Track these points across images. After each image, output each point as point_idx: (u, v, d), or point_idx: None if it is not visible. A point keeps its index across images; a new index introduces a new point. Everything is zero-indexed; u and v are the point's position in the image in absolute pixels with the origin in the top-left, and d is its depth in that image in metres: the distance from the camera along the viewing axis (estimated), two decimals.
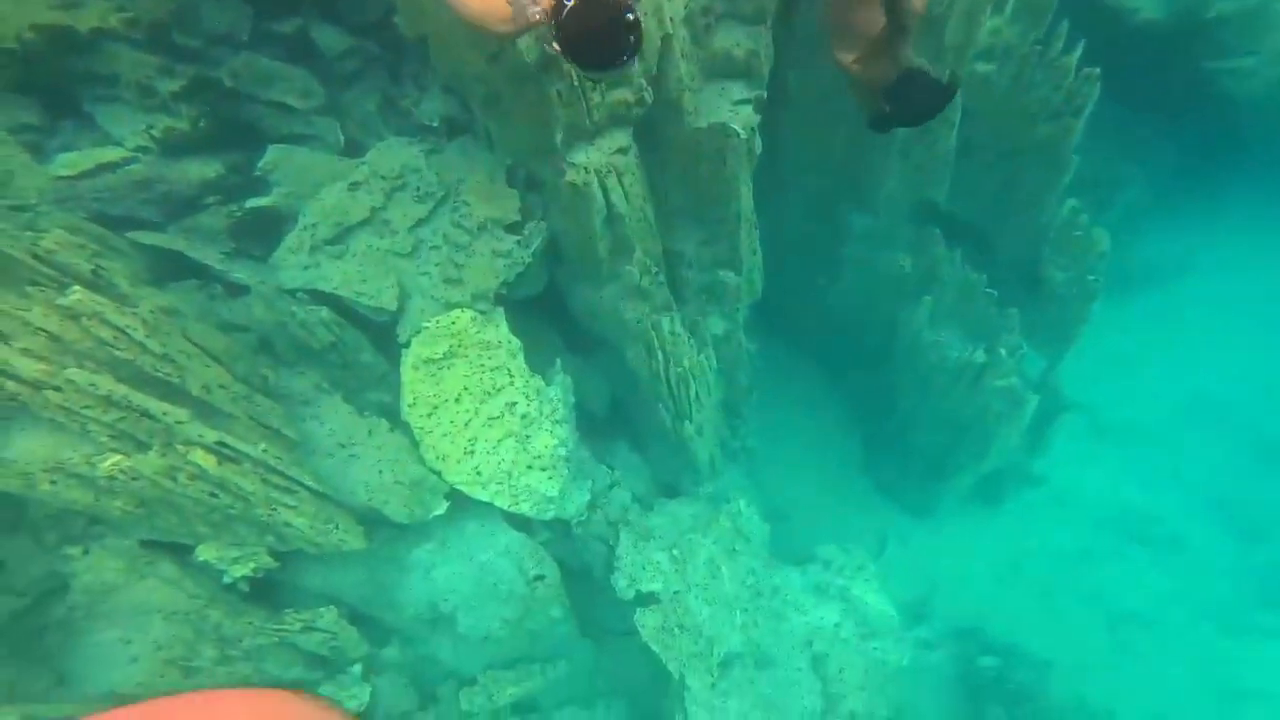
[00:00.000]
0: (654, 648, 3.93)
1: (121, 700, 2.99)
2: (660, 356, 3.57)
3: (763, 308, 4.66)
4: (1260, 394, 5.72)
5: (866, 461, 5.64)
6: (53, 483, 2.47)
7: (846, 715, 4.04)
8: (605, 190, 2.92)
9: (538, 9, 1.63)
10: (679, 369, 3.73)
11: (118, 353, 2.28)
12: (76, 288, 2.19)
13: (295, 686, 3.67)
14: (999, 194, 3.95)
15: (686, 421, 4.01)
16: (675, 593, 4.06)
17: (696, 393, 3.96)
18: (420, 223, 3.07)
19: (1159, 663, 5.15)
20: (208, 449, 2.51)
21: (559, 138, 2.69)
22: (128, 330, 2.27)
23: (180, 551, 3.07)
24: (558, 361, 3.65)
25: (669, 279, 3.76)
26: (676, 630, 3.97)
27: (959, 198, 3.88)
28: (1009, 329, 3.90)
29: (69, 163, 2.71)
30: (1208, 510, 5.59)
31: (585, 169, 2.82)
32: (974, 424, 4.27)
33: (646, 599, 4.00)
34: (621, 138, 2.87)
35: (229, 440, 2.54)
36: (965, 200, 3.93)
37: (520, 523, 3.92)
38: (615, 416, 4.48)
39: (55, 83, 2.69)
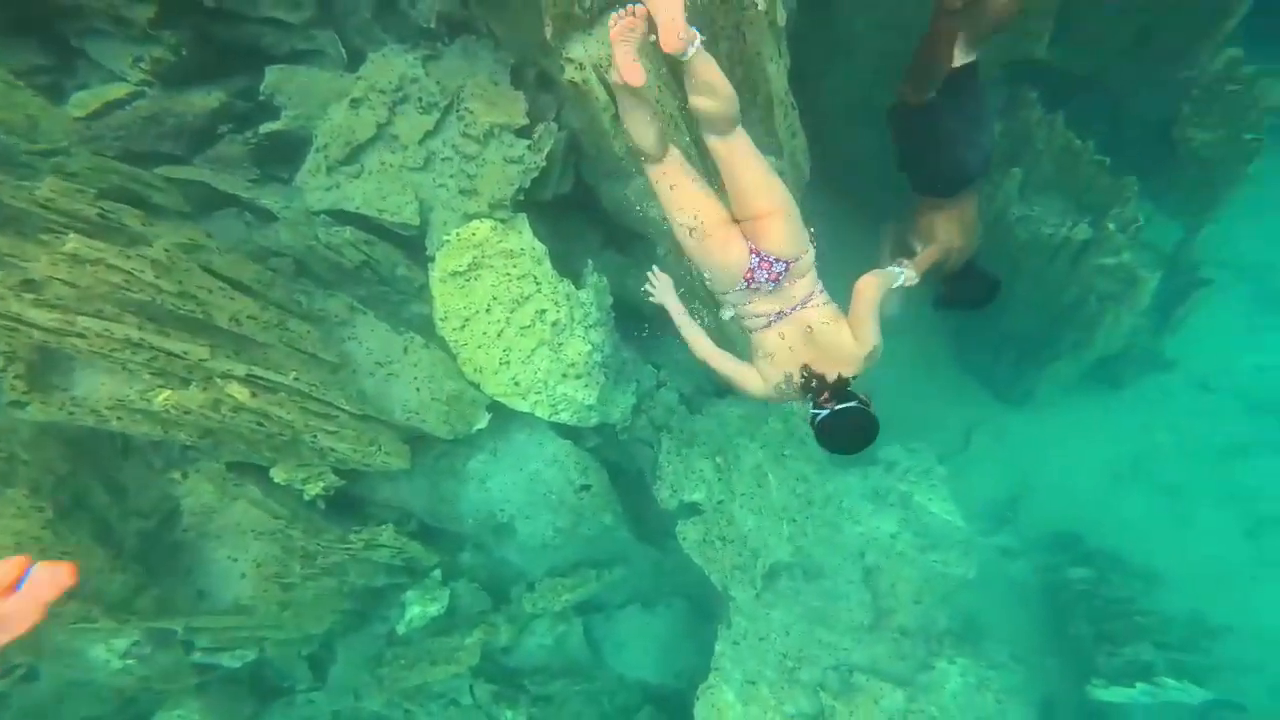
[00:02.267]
0: (696, 560, 3.85)
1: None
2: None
3: (835, 184, 4.05)
4: None
5: (955, 348, 4.96)
6: (119, 418, 2.64)
7: (894, 630, 3.84)
8: (607, 85, 2.50)
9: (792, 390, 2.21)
10: None
11: (132, 295, 2.26)
12: (71, 235, 2.18)
13: (381, 593, 3.97)
14: (1129, 45, 3.18)
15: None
16: (719, 502, 3.93)
17: None
18: (428, 135, 2.86)
19: None
20: (240, 381, 2.49)
21: (549, 30, 2.28)
22: (135, 273, 2.21)
23: (261, 473, 3.30)
24: (589, 263, 3.43)
25: (702, 169, 3.33)
26: (718, 542, 3.87)
27: (1074, 51, 3.15)
28: (1123, 200, 3.23)
29: (80, 102, 2.66)
30: None
31: (581, 65, 2.41)
32: (1076, 307, 3.70)
33: (689, 509, 3.90)
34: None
35: (258, 372, 2.58)
36: (1081, 53, 3.20)
37: (568, 430, 3.90)
38: (663, 312, 4.20)
39: (46, 19, 2.56)
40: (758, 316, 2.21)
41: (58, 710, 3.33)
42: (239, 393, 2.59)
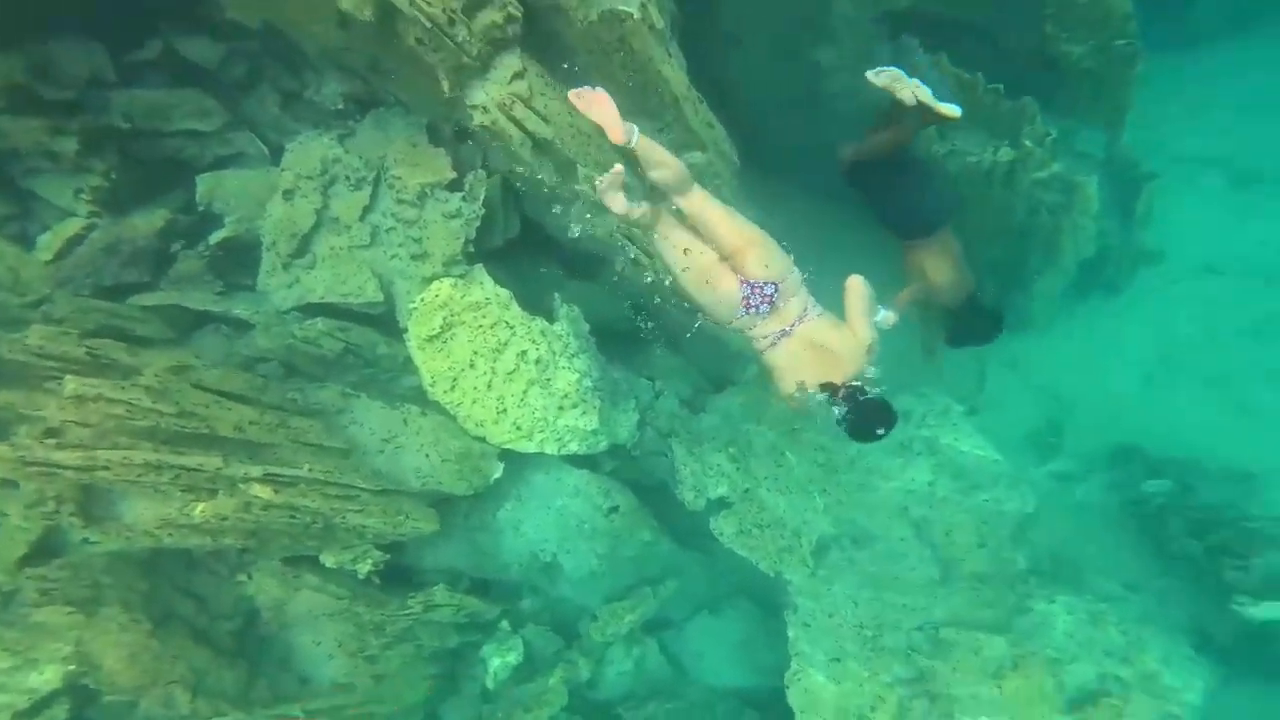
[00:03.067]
0: (740, 552, 3.78)
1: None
2: (646, 260, 3.26)
3: (778, 165, 4.25)
4: None
5: None
6: (170, 535, 2.84)
7: (969, 578, 3.65)
8: (517, 122, 2.62)
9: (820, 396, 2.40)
10: None
11: (138, 422, 2.46)
12: (68, 378, 2.36)
13: (455, 652, 4.06)
14: None
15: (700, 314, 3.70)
16: (745, 490, 3.88)
17: None
18: (366, 210, 3.00)
19: None
20: (260, 481, 2.66)
21: (445, 84, 2.42)
22: (134, 402, 2.42)
23: (314, 562, 3.50)
24: (556, 296, 3.53)
25: (637, 178, 3.41)
26: (755, 530, 3.80)
27: None
28: (1029, 118, 3.29)
29: (45, 245, 2.84)
30: None
31: (486, 108, 2.54)
32: (1031, 223, 3.66)
33: (717, 505, 3.86)
34: (512, 62, 2.60)
35: (274, 469, 2.78)
36: None
37: (582, 460, 3.96)
38: (645, 325, 4.25)
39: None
40: (764, 338, 2.47)
41: None
42: (263, 491, 2.79)
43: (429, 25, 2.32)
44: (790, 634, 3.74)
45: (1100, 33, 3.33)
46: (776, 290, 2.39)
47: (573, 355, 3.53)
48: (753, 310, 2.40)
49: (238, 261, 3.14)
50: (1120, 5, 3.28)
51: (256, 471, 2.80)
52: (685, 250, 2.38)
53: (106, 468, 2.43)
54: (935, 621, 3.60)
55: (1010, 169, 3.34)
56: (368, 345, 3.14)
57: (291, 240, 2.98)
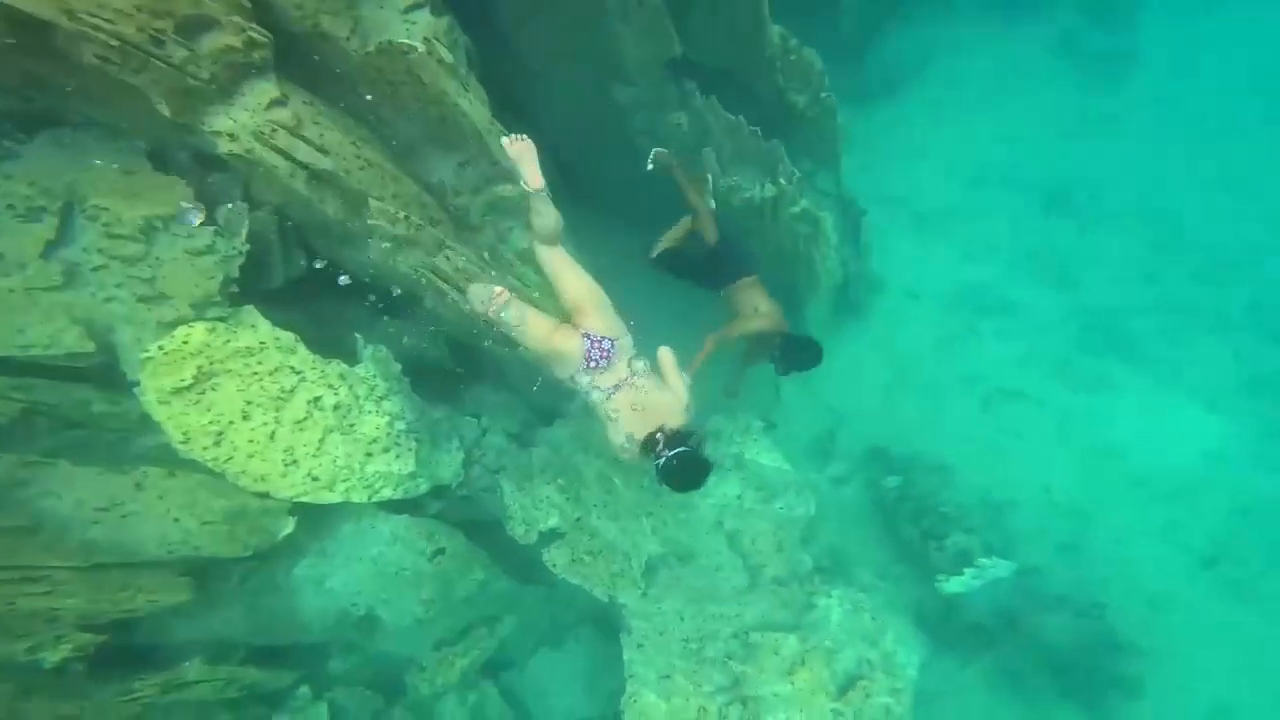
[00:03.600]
0: (573, 581, 3.63)
1: None
2: (456, 294, 3.03)
3: (592, 197, 4.40)
4: (1029, 152, 5.81)
5: None
6: None
7: (771, 582, 3.81)
8: (284, 152, 2.27)
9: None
10: None
11: None
12: None
13: None
14: (727, 34, 3.58)
15: (523, 348, 3.53)
16: (577, 520, 3.76)
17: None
18: (51, 245, 2.38)
19: (1033, 436, 5.04)
20: None
21: (165, 109, 2.02)
22: None
23: None
24: (357, 337, 3.12)
25: (446, 213, 3.17)
26: (587, 558, 3.68)
27: (697, 47, 3.56)
28: (778, 158, 3.63)
29: None
30: (1025, 265, 5.53)
31: (234, 135, 2.16)
32: (794, 252, 4.03)
33: (549, 537, 3.67)
34: (266, 89, 2.24)
35: None
36: (703, 47, 3.60)
37: (401, 505, 3.54)
38: (466, 361, 3.98)
39: None
40: (601, 390, 2.66)
41: None
42: None
43: (114, 44, 1.94)
44: (626, 656, 3.64)
45: (810, 85, 3.77)
46: (614, 345, 2.61)
47: (380, 398, 3.17)
48: (592, 364, 2.59)
49: None
50: (815, 61, 3.73)
51: None
52: (533, 320, 2.64)
53: None
54: (747, 626, 3.66)
55: (774, 204, 3.65)
56: (71, 404, 2.53)
57: None
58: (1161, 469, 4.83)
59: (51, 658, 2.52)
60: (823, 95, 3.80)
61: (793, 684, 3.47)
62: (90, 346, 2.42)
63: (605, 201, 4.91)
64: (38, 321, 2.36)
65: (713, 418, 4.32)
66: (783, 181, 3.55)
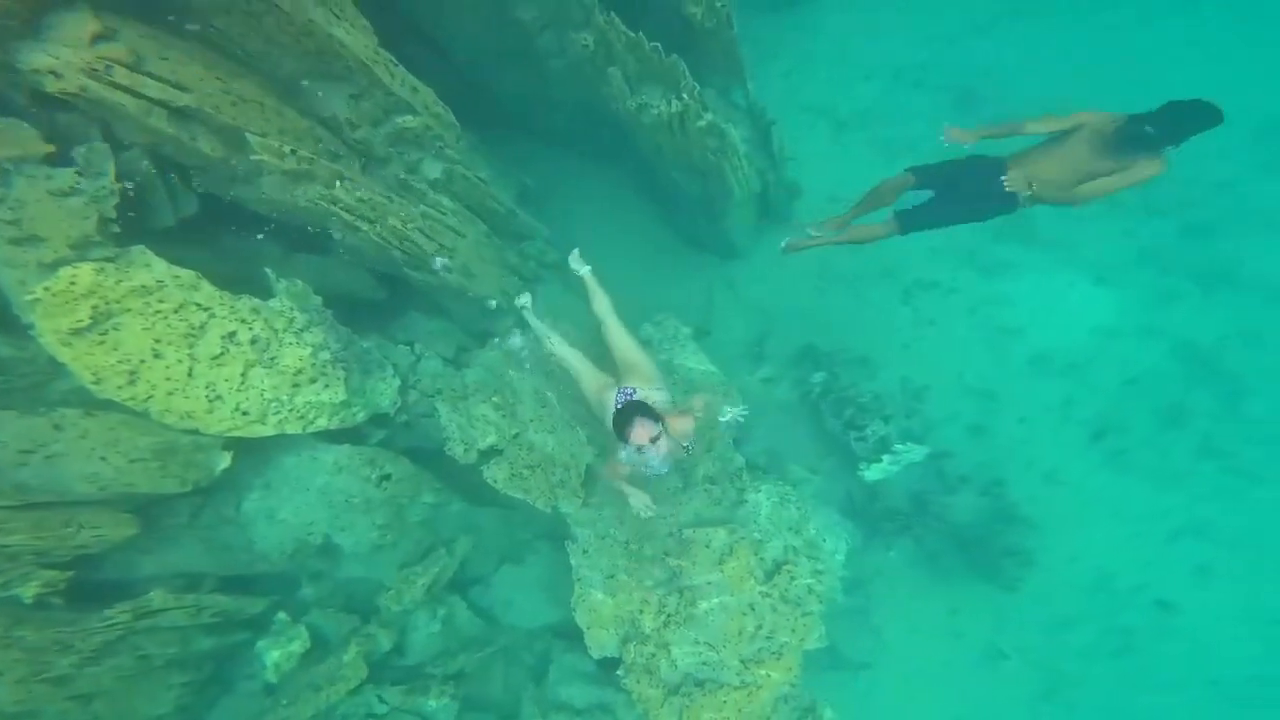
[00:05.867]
0: (515, 495, 3.84)
1: None
2: (365, 225, 3.06)
3: (508, 118, 4.45)
4: (942, 50, 5.84)
5: (672, 229, 5.42)
6: None
7: (703, 481, 4.06)
8: (129, 89, 2.22)
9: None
10: (398, 227, 3.27)
11: None
12: None
13: (214, 652, 3.64)
14: None
15: (444, 273, 3.73)
16: (515, 435, 3.93)
17: (438, 241, 3.64)
18: None
19: (946, 322, 5.23)
20: None
21: None
22: None
23: None
24: (269, 272, 3.16)
25: (345, 146, 3.15)
26: (526, 471, 3.89)
27: None
28: (680, 74, 3.63)
29: None
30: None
31: (59, 73, 2.10)
32: (705, 164, 4.07)
33: (489, 454, 3.84)
34: (80, 20, 2.19)
35: None
36: None
37: (344, 435, 3.67)
38: (395, 291, 4.04)
39: None
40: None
41: None
42: None
43: None
44: (573, 562, 3.94)
45: None
46: (635, 391, 3.15)
47: (300, 330, 3.24)
48: (618, 404, 3.08)
49: None
50: None
51: None
52: (593, 380, 3.36)
53: None
54: (681, 524, 3.94)
55: (680, 119, 3.69)
56: None
57: None
58: (1058, 345, 5.18)
59: (25, 593, 2.73)
60: (718, 5, 3.77)
61: (723, 572, 3.76)
62: None
63: (520, 121, 4.84)
64: None
65: (641, 325, 4.46)
66: (685, 97, 3.59)
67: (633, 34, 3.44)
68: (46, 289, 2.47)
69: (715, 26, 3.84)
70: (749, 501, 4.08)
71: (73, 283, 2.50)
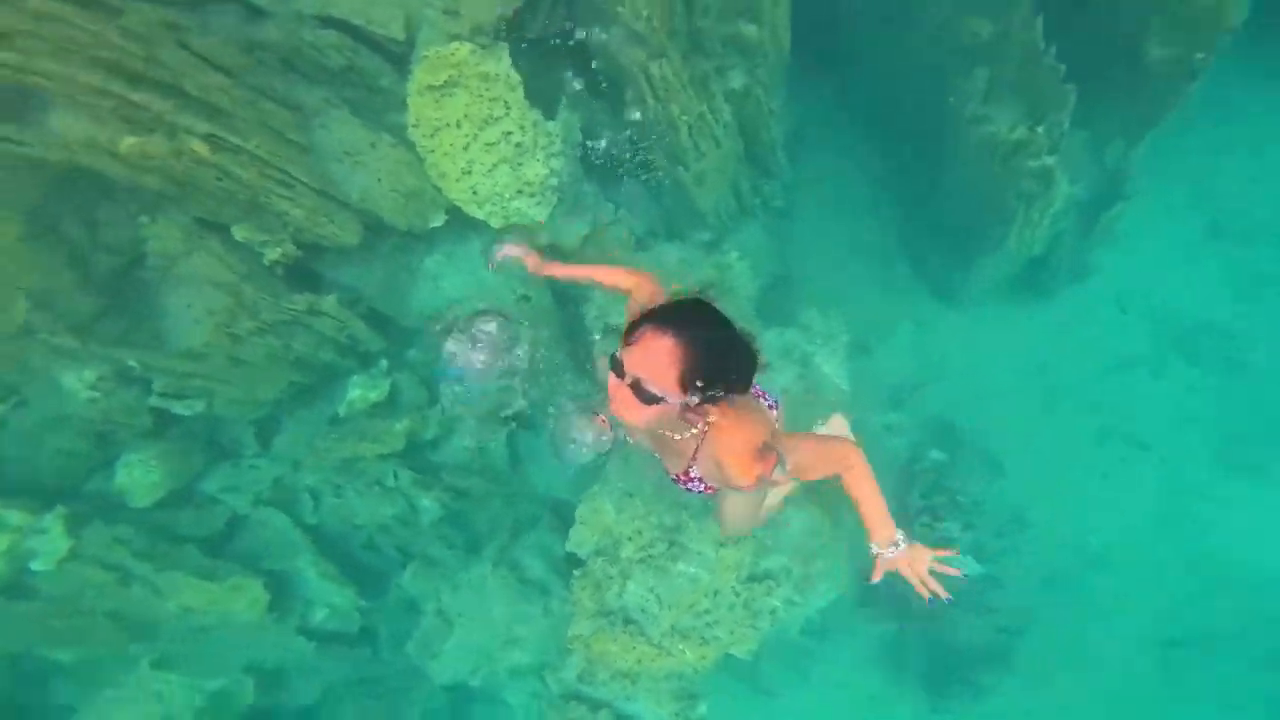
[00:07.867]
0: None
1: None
2: (652, 102, 3.58)
3: (820, 72, 4.50)
4: None
5: (901, 236, 5.31)
6: (89, 158, 2.93)
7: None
8: None
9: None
10: (673, 115, 3.75)
11: (99, 53, 2.61)
12: None
13: (327, 368, 4.63)
14: None
15: (682, 168, 4.11)
16: None
17: (696, 142, 3.98)
18: None
19: (1122, 485, 4.89)
20: (202, 138, 2.92)
21: None
22: (101, 34, 2.57)
23: (226, 233, 3.71)
24: (563, 100, 3.75)
25: (686, 27, 3.62)
26: None
27: None
28: (1060, 106, 3.43)
29: None
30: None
31: None
32: (1000, 203, 3.96)
33: (612, 330, 4.40)
34: None
35: (221, 133, 2.95)
36: None
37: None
38: (637, 169, 4.45)
39: None
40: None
41: (43, 439, 3.96)
42: (200, 148, 2.92)
43: None
44: (609, 465, 4.34)
45: (1190, 40, 3.35)
46: None
47: (552, 154, 3.74)
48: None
49: None
50: (1229, 14, 3.20)
51: (203, 128, 2.87)
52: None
53: (47, 76, 2.49)
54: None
55: (1014, 149, 3.57)
56: (373, 72, 3.40)
57: None
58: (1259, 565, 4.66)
59: (270, 255, 3.62)
60: (1198, 56, 3.37)
61: (716, 554, 4.18)
62: (403, 35, 3.32)
63: (838, 67, 4.88)
64: (385, 5, 3.30)
65: (807, 311, 4.65)
66: (1039, 130, 3.40)
67: (1041, 42, 3.25)
68: (437, 52, 3.27)
69: (1171, 74, 3.49)
70: (785, 515, 4.32)
71: (453, 54, 3.25)
